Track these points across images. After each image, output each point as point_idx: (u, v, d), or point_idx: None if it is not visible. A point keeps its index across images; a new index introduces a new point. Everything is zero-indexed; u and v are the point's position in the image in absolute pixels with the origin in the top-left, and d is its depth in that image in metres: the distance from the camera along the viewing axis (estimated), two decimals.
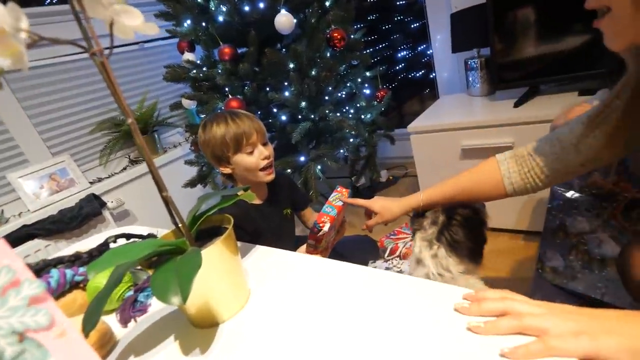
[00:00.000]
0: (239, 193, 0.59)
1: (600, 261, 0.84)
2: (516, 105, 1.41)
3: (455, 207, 0.74)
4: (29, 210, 1.72)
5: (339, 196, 0.84)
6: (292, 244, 1.08)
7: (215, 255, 0.49)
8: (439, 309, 0.44)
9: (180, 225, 0.50)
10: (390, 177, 2.28)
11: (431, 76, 2.18)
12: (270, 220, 1.02)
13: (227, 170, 0.93)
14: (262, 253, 0.70)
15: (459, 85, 2.02)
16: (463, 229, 0.72)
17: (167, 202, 0.49)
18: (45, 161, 1.82)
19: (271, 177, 0.94)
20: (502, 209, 1.43)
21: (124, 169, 2.11)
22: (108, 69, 0.43)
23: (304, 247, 0.90)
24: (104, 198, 1.86)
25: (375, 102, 1.87)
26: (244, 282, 0.57)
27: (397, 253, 1.42)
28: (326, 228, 0.79)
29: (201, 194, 2.73)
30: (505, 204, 1.11)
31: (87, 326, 0.45)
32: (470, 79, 1.69)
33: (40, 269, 0.72)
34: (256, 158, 0.90)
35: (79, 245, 1.09)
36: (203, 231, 0.58)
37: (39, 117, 1.84)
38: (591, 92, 1.32)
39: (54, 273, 0.67)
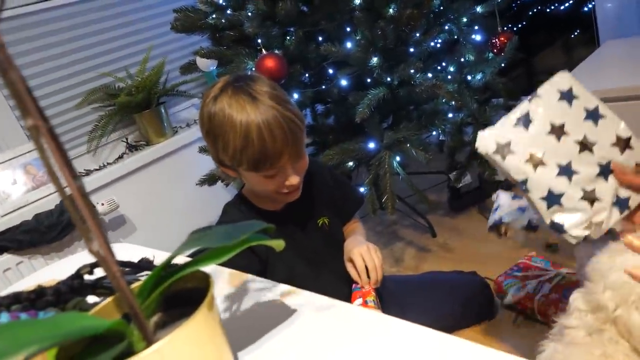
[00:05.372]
0: (259, 231, 0.55)
1: None
2: None
3: None
4: None
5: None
6: (337, 273, 1.05)
7: (178, 349, 0.46)
8: None
9: (123, 292, 0.43)
10: None
11: (585, 9, 2.13)
12: (294, 236, 1.02)
13: (231, 173, 0.98)
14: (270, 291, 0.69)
15: (636, 24, 1.92)
16: None
17: (98, 258, 0.42)
18: (19, 146, 1.96)
19: (294, 198, 0.97)
20: None
21: (120, 157, 2.21)
22: None
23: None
24: (93, 199, 1.95)
25: (491, 54, 1.81)
26: None
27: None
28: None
29: (225, 194, 2.69)
30: None
31: None
32: None
33: None
34: (276, 185, 0.92)
35: (53, 269, 1.13)
36: (178, 293, 0.55)
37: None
38: None
39: (3, 320, 0.67)
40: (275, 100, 0.87)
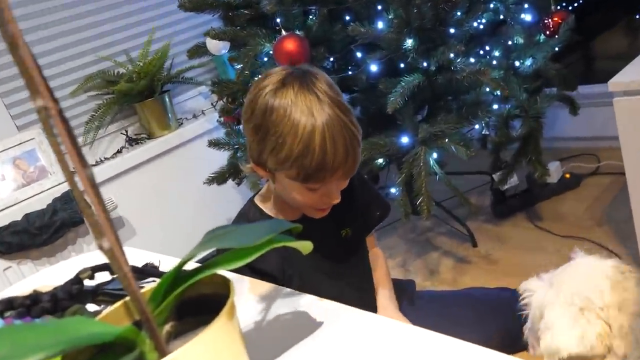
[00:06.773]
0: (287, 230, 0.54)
1: None
2: None
3: None
4: None
5: None
6: (357, 286, 1.08)
7: None
8: None
9: (135, 295, 0.43)
10: (567, 175, 2.21)
11: None
12: (314, 250, 1.01)
13: (263, 174, 0.96)
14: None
15: None
16: None
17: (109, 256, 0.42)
18: (7, 138, 1.98)
19: (324, 215, 0.99)
20: None
21: (119, 151, 2.23)
22: None
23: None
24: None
25: (543, 37, 1.81)
26: None
27: None
28: None
29: (236, 194, 2.72)
30: None
31: None
32: None
33: None
34: (315, 199, 0.93)
35: (47, 274, 1.14)
36: (192, 300, 0.55)
37: (1, 71, 2.00)
38: None
39: None
40: (339, 107, 0.85)
